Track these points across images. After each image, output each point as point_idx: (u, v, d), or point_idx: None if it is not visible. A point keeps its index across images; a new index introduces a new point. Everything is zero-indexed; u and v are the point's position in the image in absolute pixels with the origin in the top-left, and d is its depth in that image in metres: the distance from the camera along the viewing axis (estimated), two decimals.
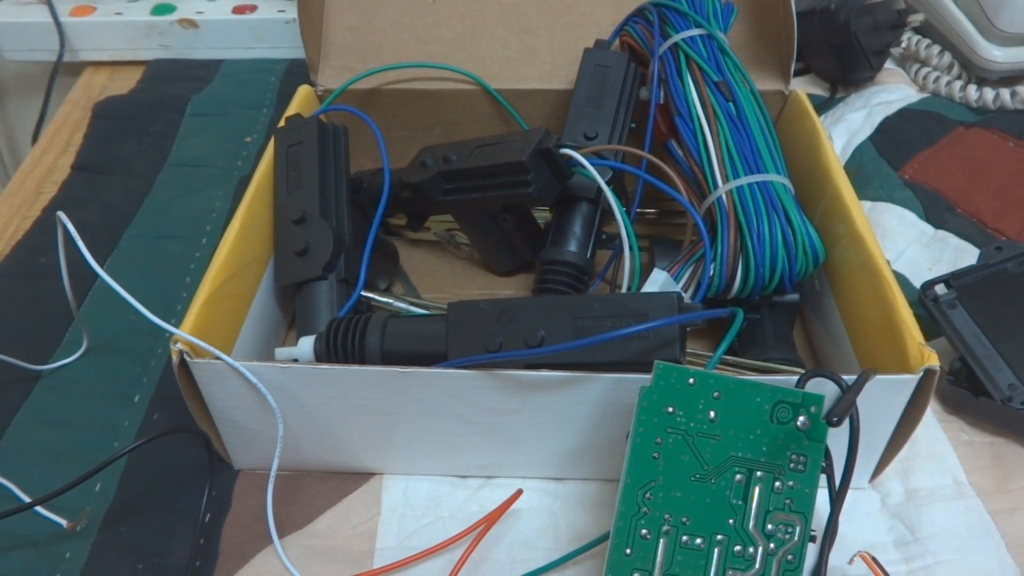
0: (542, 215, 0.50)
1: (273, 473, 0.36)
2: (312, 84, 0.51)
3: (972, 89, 0.61)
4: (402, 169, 0.46)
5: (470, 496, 0.38)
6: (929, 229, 0.51)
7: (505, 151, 0.41)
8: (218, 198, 0.56)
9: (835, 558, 0.31)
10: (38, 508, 0.35)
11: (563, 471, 0.38)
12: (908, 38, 0.65)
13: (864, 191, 0.54)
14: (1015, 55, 0.61)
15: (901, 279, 0.48)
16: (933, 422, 0.40)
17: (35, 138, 0.69)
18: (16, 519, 0.35)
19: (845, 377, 0.30)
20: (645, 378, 0.31)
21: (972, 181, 0.54)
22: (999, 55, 0.61)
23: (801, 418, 0.30)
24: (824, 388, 0.30)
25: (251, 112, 0.65)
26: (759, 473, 0.30)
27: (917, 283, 0.46)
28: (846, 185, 0.41)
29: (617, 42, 0.49)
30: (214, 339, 0.34)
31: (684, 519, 0.30)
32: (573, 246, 0.43)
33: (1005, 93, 0.60)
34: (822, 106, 0.62)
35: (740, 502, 0.30)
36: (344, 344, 0.36)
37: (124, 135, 0.62)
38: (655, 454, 0.30)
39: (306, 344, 0.37)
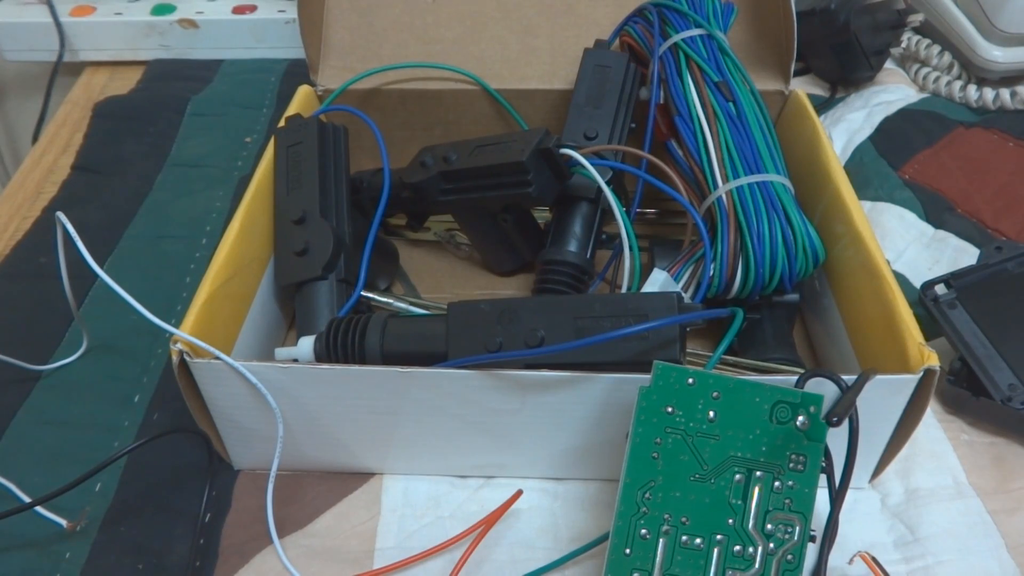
0: (542, 215, 0.50)
1: (273, 473, 0.36)
2: (312, 84, 0.51)
3: (972, 89, 0.61)
4: (402, 169, 0.46)
5: (470, 496, 0.38)
6: (929, 229, 0.51)
7: (505, 151, 0.41)
8: (218, 198, 0.56)
9: (835, 558, 0.31)
10: (38, 508, 0.35)
11: (563, 471, 0.38)
12: (908, 38, 0.65)
13: (864, 191, 0.54)
14: (1015, 55, 0.61)
15: (901, 279, 0.48)
16: (933, 422, 0.40)
17: (35, 138, 0.69)
18: (16, 519, 0.35)
19: (845, 377, 0.30)
20: (645, 378, 0.31)
21: (972, 181, 0.54)
22: (999, 55, 0.61)
23: (800, 418, 0.30)
24: (824, 388, 0.30)
25: (251, 112, 0.65)
26: (758, 473, 0.30)
27: (917, 283, 0.46)
28: (846, 185, 0.41)
29: (617, 42, 0.49)
30: (214, 339, 0.34)
31: (684, 519, 0.30)
32: (573, 246, 0.43)
33: (1005, 93, 0.60)
34: (822, 106, 0.62)
35: (739, 502, 0.30)
36: (344, 344, 0.36)
37: (124, 135, 0.62)
38: (654, 454, 0.30)
39: (306, 344, 0.37)
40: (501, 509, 0.34)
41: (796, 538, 0.30)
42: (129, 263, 0.51)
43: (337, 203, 0.43)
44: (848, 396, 0.29)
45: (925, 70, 0.64)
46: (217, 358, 0.34)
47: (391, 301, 0.44)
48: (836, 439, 0.30)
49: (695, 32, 0.44)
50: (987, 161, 0.55)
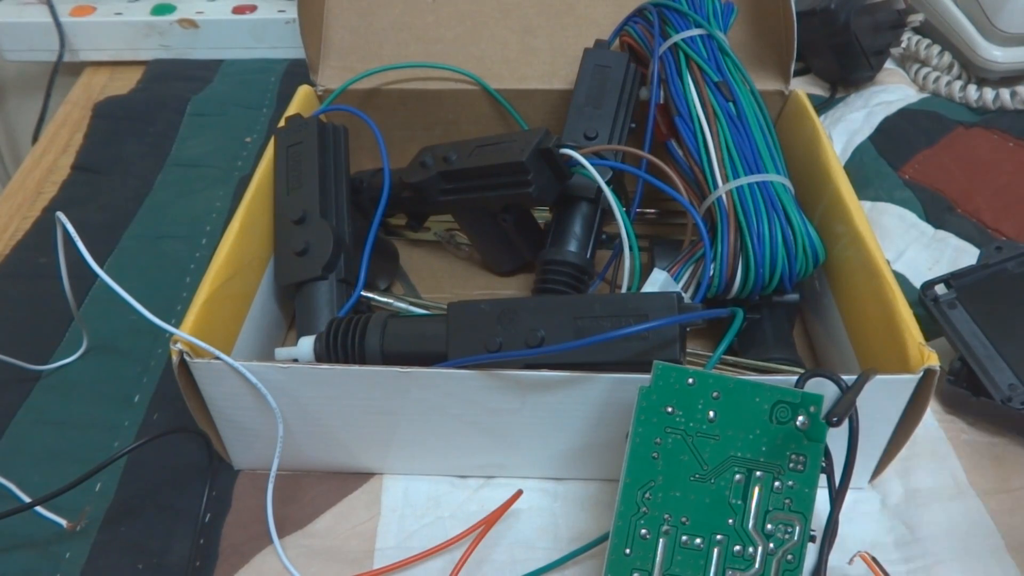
0: (542, 215, 0.50)
1: (273, 473, 0.36)
2: (312, 84, 0.51)
3: (972, 89, 0.61)
4: (402, 169, 0.46)
5: (470, 496, 0.38)
6: (929, 229, 0.51)
7: (505, 151, 0.41)
8: (218, 198, 0.56)
9: (835, 558, 0.31)
10: (38, 508, 0.35)
11: (563, 471, 0.38)
12: (908, 38, 0.65)
13: (864, 191, 0.54)
14: (1015, 55, 0.61)
15: (901, 279, 0.48)
16: (933, 422, 0.40)
17: (35, 138, 0.69)
18: (16, 519, 0.35)
19: (845, 377, 0.30)
20: (645, 378, 0.31)
21: (972, 181, 0.54)
22: (999, 55, 0.61)
23: (800, 418, 0.30)
24: (824, 388, 0.30)
25: (251, 112, 0.65)
26: (758, 473, 0.30)
27: (917, 283, 0.46)
28: (846, 185, 0.41)
29: (617, 42, 0.49)
30: (214, 339, 0.34)
31: (684, 519, 0.30)
32: (573, 246, 0.43)
33: (1005, 93, 0.60)
34: (822, 106, 0.62)
35: (739, 502, 0.30)
36: (344, 344, 0.36)
37: (124, 135, 0.62)
38: (654, 454, 0.30)
39: (306, 344, 0.37)
40: (501, 509, 0.34)
41: (796, 538, 0.30)
42: (129, 263, 0.51)
43: (337, 203, 0.43)
44: (848, 396, 0.29)
45: (925, 70, 0.64)
46: (217, 358, 0.34)
47: (391, 301, 0.44)
48: (836, 439, 0.30)
49: (695, 32, 0.44)
50: (987, 161, 0.55)
